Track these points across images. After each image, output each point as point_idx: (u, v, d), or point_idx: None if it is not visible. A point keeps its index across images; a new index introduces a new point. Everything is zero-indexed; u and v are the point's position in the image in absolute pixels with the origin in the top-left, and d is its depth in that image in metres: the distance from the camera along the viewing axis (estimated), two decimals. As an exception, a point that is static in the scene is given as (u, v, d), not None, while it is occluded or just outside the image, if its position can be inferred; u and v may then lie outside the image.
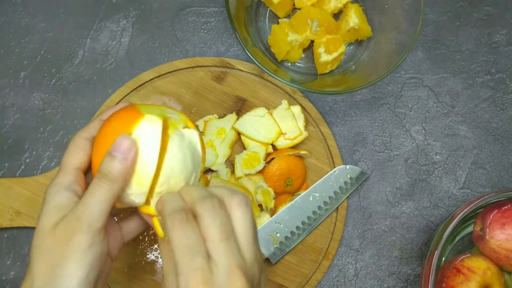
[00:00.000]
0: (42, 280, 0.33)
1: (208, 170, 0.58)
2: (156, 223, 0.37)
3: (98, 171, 0.35)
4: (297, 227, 0.58)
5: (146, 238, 0.56)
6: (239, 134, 0.59)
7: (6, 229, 0.57)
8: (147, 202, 0.37)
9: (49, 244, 0.34)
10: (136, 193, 0.36)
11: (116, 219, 0.42)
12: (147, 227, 0.43)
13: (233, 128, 0.58)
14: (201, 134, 0.40)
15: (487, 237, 0.52)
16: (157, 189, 0.36)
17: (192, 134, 0.39)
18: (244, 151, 0.58)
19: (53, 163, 0.59)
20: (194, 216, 0.34)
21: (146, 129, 0.36)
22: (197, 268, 0.31)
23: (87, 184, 0.38)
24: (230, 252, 0.32)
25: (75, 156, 0.38)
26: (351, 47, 0.63)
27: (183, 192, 0.37)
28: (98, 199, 0.34)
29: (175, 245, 0.32)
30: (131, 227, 0.42)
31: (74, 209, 0.34)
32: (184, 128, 0.39)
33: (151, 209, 0.37)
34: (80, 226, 0.33)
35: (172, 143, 0.36)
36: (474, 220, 0.55)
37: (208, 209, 0.34)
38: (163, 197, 0.36)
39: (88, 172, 0.40)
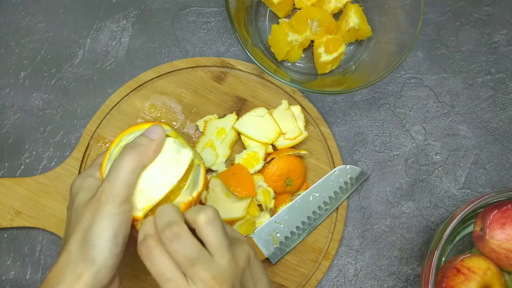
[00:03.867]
0: (76, 244, 0.37)
1: (208, 170, 0.58)
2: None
3: (126, 144, 0.39)
4: (297, 227, 0.58)
5: (146, 238, 0.56)
6: (239, 134, 0.59)
7: (6, 229, 0.57)
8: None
9: (83, 216, 0.38)
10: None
11: None
12: None
13: (233, 128, 0.58)
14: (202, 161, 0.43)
15: (487, 237, 0.52)
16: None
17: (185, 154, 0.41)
18: (244, 150, 0.58)
19: (53, 163, 0.59)
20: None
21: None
22: None
23: None
24: (202, 271, 0.36)
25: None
26: (351, 47, 0.63)
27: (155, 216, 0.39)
28: (122, 172, 0.37)
29: (150, 271, 0.37)
30: None
31: (101, 185, 0.38)
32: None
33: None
34: (105, 199, 0.37)
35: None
36: (474, 220, 0.55)
37: (169, 237, 0.36)
38: (143, 220, 0.39)
39: None
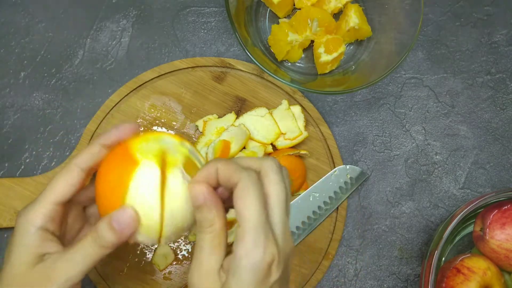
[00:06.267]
0: None
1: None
2: None
3: (95, 231, 0.35)
4: (297, 227, 0.58)
5: (146, 238, 0.56)
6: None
7: (6, 229, 0.57)
8: (159, 241, 0.37)
9: (24, 283, 0.34)
10: (145, 239, 0.36)
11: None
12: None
13: (232, 126, 0.58)
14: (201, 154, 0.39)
15: (487, 237, 0.52)
16: (166, 233, 0.36)
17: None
18: (243, 150, 0.58)
19: (53, 163, 0.59)
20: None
21: (143, 180, 0.34)
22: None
23: (65, 215, 0.38)
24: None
25: (61, 189, 0.36)
26: (351, 47, 0.63)
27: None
28: (83, 259, 0.34)
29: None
30: None
31: (57, 259, 0.34)
32: (183, 161, 0.37)
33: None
34: (57, 278, 0.33)
35: (171, 184, 0.35)
36: (474, 220, 0.55)
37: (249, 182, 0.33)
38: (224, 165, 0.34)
39: (72, 202, 0.39)
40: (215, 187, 0.35)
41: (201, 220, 0.34)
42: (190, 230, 0.37)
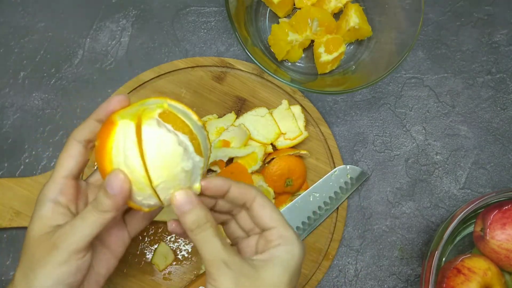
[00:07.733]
0: (19, 282, 0.37)
1: (209, 170, 0.58)
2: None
3: (95, 199, 0.37)
4: (297, 227, 0.57)
5: (146, 239, 0.56)
6: (239, 134, 0.59)
7: (6, 229, 0.57)
8: (159, 199, 0.37)
9: (33, 252, 0.37)
10: (144, 198, 0.37)
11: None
12: (152, 219, 0.45)
13: (232, 126, 0.58)
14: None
15: (488, 238, 0.51)
16: (156, 183, 0.36)
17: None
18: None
19: (53, 163, 0.59)
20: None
21: (121, 137, 0.36)
22: None
23: (76, 189, 0.41)
24: None
25: (66, 163, 0.40)
26: (351, 47, 0.63)
27: None
28: (85, 225, 0.37)
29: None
30: (136, 221, 0.44)
31: (63, 226, 0.37)
32: (160, 111, 0.37)
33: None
34: (60, 244, 0.36)
35: (146, 133, 0.36)
36: (474, 220, 0.55)
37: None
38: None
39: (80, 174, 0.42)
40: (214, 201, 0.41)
41: (199, 218, 0.37)
42: (186, 176, 0.37)
